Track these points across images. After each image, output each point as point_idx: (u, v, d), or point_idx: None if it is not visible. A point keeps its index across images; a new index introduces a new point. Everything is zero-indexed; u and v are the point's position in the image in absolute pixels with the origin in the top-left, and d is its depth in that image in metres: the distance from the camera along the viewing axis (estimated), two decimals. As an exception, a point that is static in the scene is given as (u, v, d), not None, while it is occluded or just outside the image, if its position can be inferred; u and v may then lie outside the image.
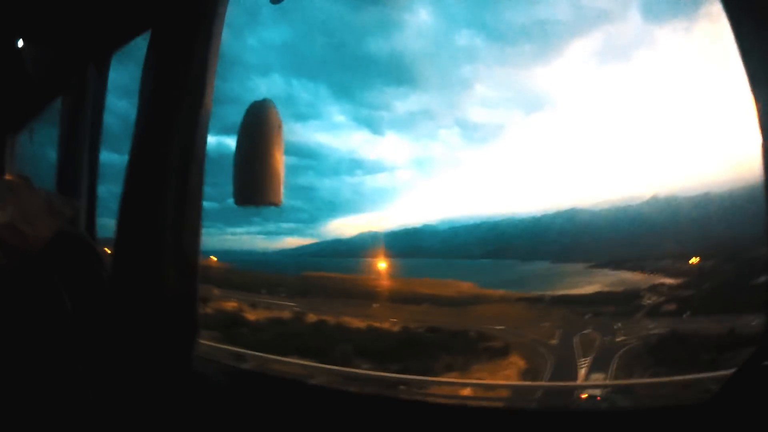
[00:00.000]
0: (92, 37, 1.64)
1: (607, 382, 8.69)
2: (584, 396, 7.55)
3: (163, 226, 1.11)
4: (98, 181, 1.80)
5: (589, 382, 8.77)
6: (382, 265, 17.58)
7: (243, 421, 1.24)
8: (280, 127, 1.01)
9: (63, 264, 0.82)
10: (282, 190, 1.01)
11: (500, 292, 15.83)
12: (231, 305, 13.08)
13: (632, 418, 1.09)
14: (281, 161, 1.00)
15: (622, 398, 7.41)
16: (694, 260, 12.84)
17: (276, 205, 1.01)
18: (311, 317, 13.02)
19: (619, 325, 11.19)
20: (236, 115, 1.02)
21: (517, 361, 10.25)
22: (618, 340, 10.51)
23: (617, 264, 16.03)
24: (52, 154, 1.86)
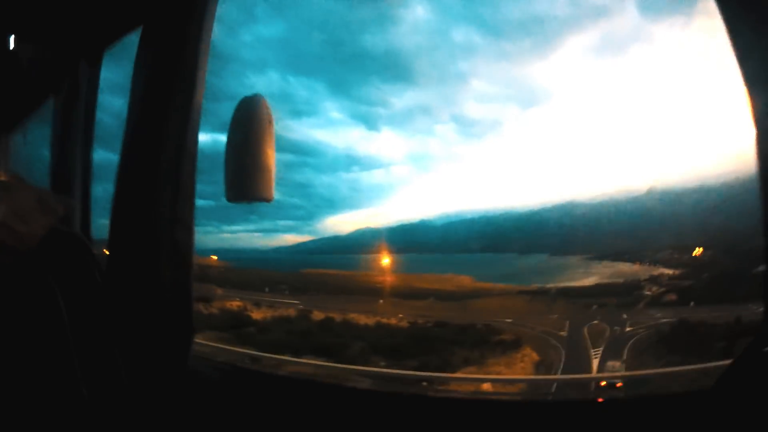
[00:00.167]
0: (83, 34, 1.65)
1: (623, 373, 8.82)
2: (603, 384, 7.66)
3: (156, 222, 1.14)
4: (92, 179, 1.81)
5: (605, 374, 8.89)
6: (385, 261, 17.46)
7: (239, 418, 1.28)
8: (271, 122, 1.00)
9: (56, 262, 0.83)
10: (273, 185, 1.00)
11: (500, 285, 16.00)
12: (236, 304, 12.81)
13: (633, 406, 1.12)
14: (272, 157, 1.00)
15: (636, 388, 7.56)
16: (697, 251, 13.15)
17: (267, 200, 1.00)
18: (317, 315, 12.86)
19: (625, 315, 11.42)
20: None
21: (530, 353, 10.34)
22: (627, 330, 10.71)
23: (615, 256, 16.35)
24: (45, 153, 1.87)
